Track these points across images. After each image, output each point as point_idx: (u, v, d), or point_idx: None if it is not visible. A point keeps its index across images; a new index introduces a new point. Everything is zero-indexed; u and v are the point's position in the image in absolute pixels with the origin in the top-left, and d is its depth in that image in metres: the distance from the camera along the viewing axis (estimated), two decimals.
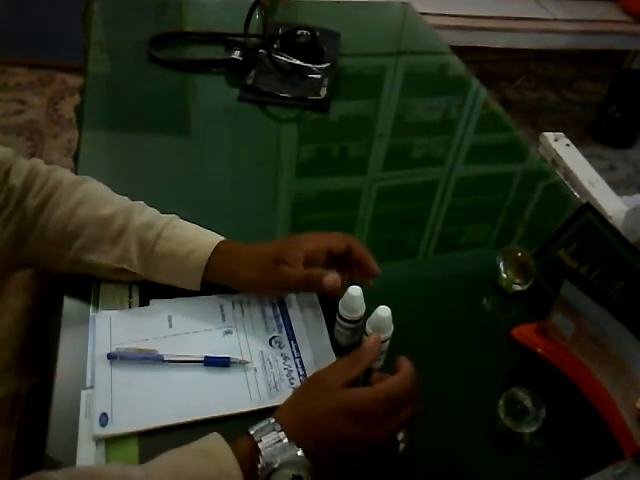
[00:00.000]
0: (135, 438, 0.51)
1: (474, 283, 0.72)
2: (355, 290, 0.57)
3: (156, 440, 0.51)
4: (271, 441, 0.45)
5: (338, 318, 0.59)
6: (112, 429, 0.51)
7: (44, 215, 0.61)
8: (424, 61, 1.28)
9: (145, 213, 0.63)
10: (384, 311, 0.55)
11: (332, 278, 0.58)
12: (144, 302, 0.62)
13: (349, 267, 0.62)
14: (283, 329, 0.62)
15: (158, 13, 1.25)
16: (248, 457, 0.45)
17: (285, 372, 0.58)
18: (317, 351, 0.60)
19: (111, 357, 0.56)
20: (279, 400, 0.52)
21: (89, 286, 0.63)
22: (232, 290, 0.63)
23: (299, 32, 1.09)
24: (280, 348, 0.60)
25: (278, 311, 0.64)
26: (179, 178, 0.83)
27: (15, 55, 2.38)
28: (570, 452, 0.57)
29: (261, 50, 1.05)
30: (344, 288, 0.58)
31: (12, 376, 0.63)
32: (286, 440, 0.45)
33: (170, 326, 0.60)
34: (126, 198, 0.65)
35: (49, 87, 2.35)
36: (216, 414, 0.53)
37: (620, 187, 2.29)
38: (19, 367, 0.64)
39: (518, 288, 0.69)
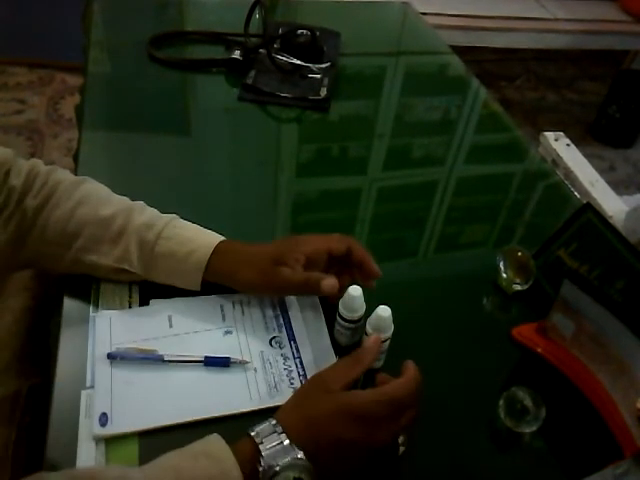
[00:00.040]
0: (135, 438, 0.51)
1: (474, 283, 0.72)
2: (355, 290, 0.57)
3: (156, 440, 0.51)
4: (272, 443, 0.45)
5: (338, 318, 0.59)
6: (112, 429, 0.51)
7: (44, 215, 0.61)
8: (424, 61, 1.28)
9: (145, 213, 0.63)
10: (384, 311, 0.55)
11: (330, 282, 0.58)
12: (144, 302, 0.62)
13: (350, 269, 0.62)
14: (283, 329, 0.62)
15: (158, 13, 1.25)
16: (249, 459, 0.44)
17: (285, 372, 0.58)
18: (317, 351, 0.60)
19: (111, 357, 0.56)
20: (279, 400, 0.52)
21: (89, 286, 0.63)
22: (232, 290, 0.63)
23: (299, 32, 1.08)
24: (280, 348, 0.60)
25: (278, 311, 0.64)
26: (179, 178, 0.83)
27: (15, 55, 2.38)
28: (570, 452, 0.57)
29: (261, 50, 1.05)
30: (344, 289, 0.58)
31: (12, 376, 0.63)
32: (287, 442, 0.45)
33: (170, 326, 0.60)
34: (126, 198, 0.65)
35: (49, 87, 2.35)
36: (216, 414, 0.53)
37: (620, 187, 2.29)
38: (19, 367, 0.64)
39: (518, 288, 0.69)
